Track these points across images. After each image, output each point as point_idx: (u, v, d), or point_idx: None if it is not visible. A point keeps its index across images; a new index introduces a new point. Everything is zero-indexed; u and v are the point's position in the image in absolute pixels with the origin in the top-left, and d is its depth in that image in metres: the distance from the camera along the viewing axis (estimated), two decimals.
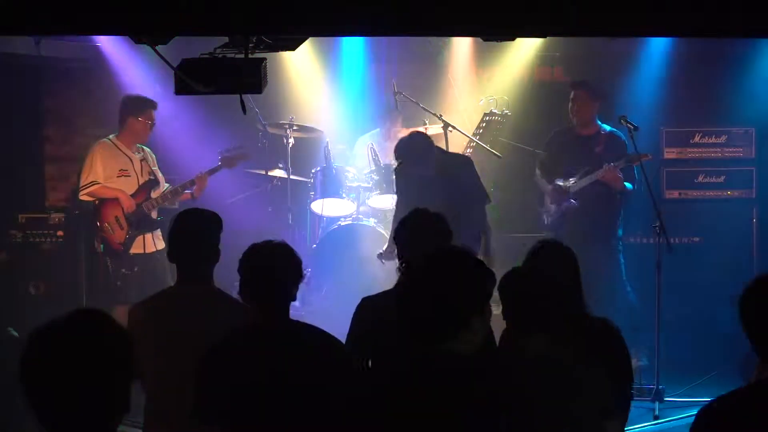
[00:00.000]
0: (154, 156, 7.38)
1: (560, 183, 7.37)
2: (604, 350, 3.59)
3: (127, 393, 2.22)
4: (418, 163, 6.50)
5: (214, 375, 3.43)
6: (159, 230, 7.15)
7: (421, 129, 8.05)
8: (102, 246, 7.04)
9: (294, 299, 3.58)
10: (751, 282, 2.73)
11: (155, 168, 7.33)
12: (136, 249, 7.07)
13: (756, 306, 2.66)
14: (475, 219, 6.59)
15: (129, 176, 7.13)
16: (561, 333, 3.31)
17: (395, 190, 7.09)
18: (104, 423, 2.19)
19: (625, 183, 7.17)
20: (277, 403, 3.36)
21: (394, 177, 7.30)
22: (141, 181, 7.16)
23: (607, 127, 7.35)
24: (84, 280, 7.56)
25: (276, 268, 3.54)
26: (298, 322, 3.66)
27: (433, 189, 6.37)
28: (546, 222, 7.50)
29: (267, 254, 3.57)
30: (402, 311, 2.77)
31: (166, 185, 7.37)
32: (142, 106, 7.13)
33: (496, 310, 3.23)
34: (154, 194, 7.21)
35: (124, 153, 7.14)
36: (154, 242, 7.12)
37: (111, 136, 7.17)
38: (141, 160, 7.21)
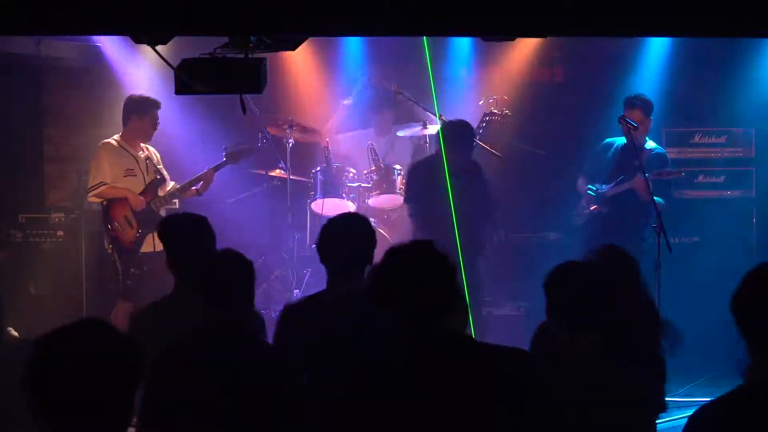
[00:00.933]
0: (158, 154, 7.39)
1: (596, 187, 7.45)
2: (649, 355, 3.61)
3: (132, 399, 2.22)
4: (461, 150, 6.81)
5: (162, 378, 3.36)
6: None
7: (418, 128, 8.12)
8: (112, 246, 7.05)
9: (250, 303, 3.53)
10: (746, 276, 2.67)
11: (160, 166, 7.36)
12: (146, 248, 7.09)
13: (751, 299, 2.60)
14: (492, 221, 7.03)
15: (135, 176, 7.16)
16: (611, 334, 3.29)
17: (411, 179, 7.24)
18: (110, 429, 2.19)
19: (656, 197, 7.15)
20: (222, 407, 3.31)
21: (410, 169, 7.41)
22: (147, 180, 7.20)
23: (653, 143, 7.45)
24: (84, 279, 7.57)
25: (220, 274, 3.49)
26: (251, 328, 3.61)
27: (461, 185, 6.68)
28: (578, 222, 7.59)
29: (213, 262, 3.57)
30: (401, 290, 2.77)
31: (171, 183, 7.40)
32: (145, 106, 7.16)
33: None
34: (161, 192, 7.25)
35: (129, 152, 7.17)
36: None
37: (115, 136, 7.20)
38: (146, 159, 7.24)
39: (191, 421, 3.31)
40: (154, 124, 7.20)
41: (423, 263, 2.80)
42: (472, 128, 7.12)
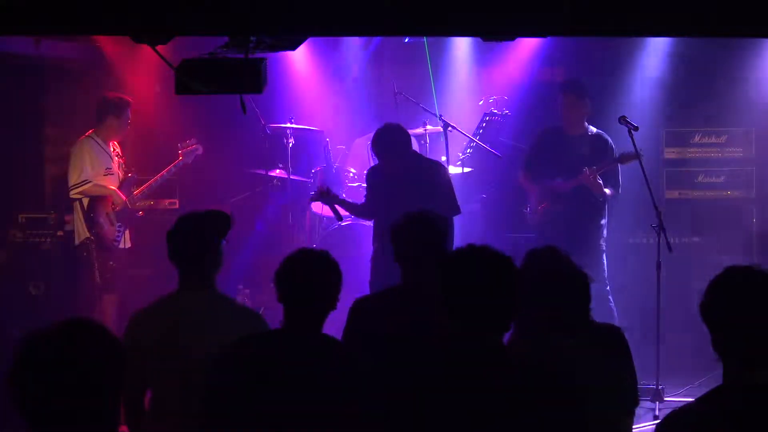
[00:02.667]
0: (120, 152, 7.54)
1: (546, 184, 7.35)
2: (616, 354, 3.62)
3: (118, 404, 2.19)
4: (395, 158, 6.39)
5: (225, 376, 3.35)
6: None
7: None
8: (90, 240, 7.13)
9: (333, 308, 3.50)
10: (720, 275, 2.67)
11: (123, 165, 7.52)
12: (121, 244, 7.32)
13: (726, 300, 2.58)
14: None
15: (113, 174, 7.33)
16: (582, 336, 3.33)
17: (367, 185, 6.87)
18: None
19: (606, 189, 7.13)
20: (288, 410, 3.26)
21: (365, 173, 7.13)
22: (121, 178, 7.37)
23: (594, 129, 7.36)
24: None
25: (310, 274, 3.45)
26: (326, 335, 3.54)
27: (406, 190, 6.28)
28: (531, 222, 7.50)
29: (307, 261, 3.51)
30: (455, 299, 2.84)
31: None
32: (122, 105, 7.30)
33: None
34: (135, 191, 7.37)
35: (105, 151, 7.32)
36: (130, 239, 7.42)
37: (91, 134, 7.28)
38: (116, 157, 7.41)
39: (255, 424, 3.27)
40: (128, 123, 7.36)
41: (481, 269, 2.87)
42: (393, 134, 6.42)
